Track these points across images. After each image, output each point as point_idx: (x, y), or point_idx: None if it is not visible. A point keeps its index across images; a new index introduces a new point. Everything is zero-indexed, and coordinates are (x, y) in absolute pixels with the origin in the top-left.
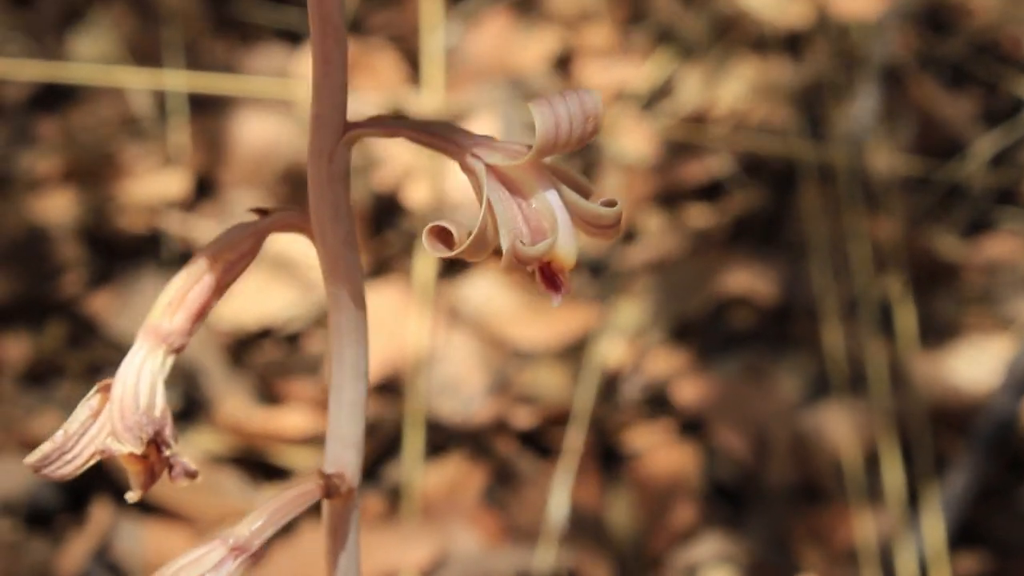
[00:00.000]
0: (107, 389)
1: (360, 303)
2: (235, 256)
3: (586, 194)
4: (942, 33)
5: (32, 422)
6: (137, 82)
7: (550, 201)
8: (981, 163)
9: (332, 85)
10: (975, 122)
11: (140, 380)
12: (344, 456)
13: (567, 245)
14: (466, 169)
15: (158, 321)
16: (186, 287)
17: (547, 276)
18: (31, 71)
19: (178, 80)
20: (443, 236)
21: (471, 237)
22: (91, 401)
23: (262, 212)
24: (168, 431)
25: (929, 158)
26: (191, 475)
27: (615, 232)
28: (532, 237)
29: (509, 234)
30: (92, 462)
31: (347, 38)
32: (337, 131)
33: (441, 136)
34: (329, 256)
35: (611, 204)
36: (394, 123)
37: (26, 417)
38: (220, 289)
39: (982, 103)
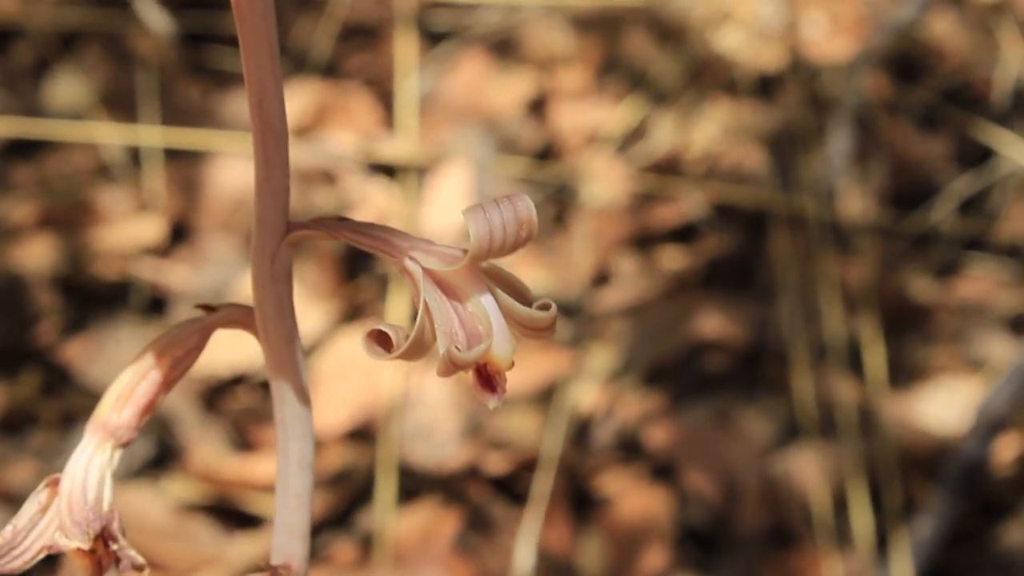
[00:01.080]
0: (55, 484)
1: (304, 398)
2: (182, 352)
3: (522, 296)
4: (913, 75)
5: (6, 471)
6: (111, 132)
7: (485, 305)
8: (951, 210)
9: (274, 188)
10: (947, 164)
11: (88, 474)
12: (291, 546)
13: (502, 349)
14: (404, 271)
15: (107, 416)
16: (134, 382)
17: (483, 378)
18: (5, 127)
19: (153, 131)
20: (381, 339)
21: (408, 340)
22: (40, 496)
23: (208, 308)
24: (116, 525)
25: (901, 200)
26: (139, 568)
27: (550, 334)
28: (468, 341)
29: (445, 338)
30: (40, 556)
31: (288, 141)
32: (279, 233)
33: (381, 239)
34: (273, 353)
35: (546, 307)
36: (336, 225)
37: (0, 467)
38: (167, 384)
39: (954, 144)
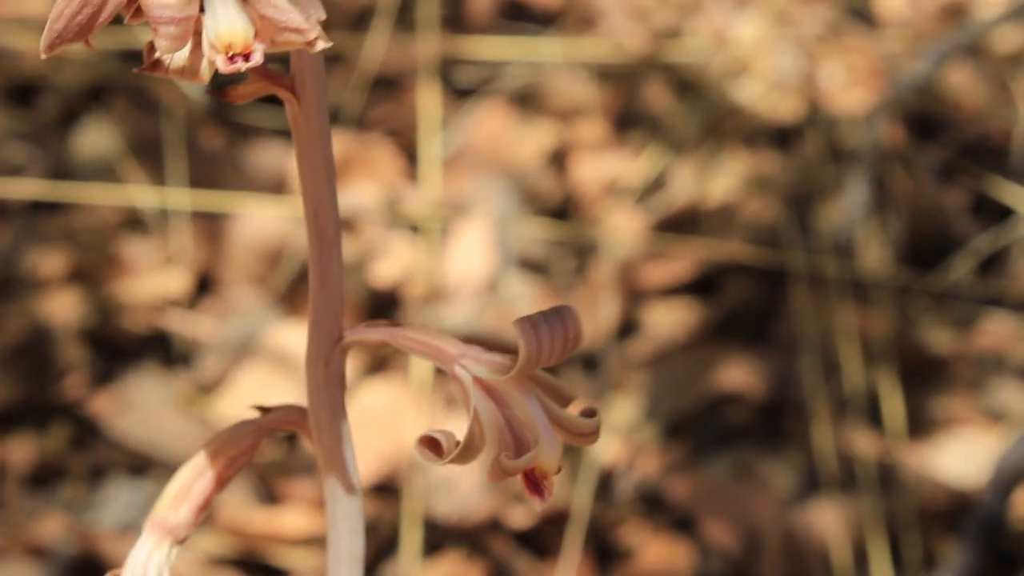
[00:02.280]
0: None
1: (354, 494)
2: (236, 452)
3: (565, 399)
4: (930, 127)
5: (35, 526)
6: (138, 185)
7: (533, 413)
8: (969, 270)
9: (329, 296)
10: (964, 215)
11: (148, 572)
12: None
13: (550, 455)
14: (454, 377)
15: (164, 514)
16: (190, 481)
17: (531, 482)
18: (32, 180)
19: (180, 188)
20: (433, 445)
21: (459, 447)
22: None
23: (263, 410)
24: None
25: (918, 251)
26: None
27: (594, 439)
28: (516, 448)
29: (495, 446)
30: None
31: (341, 249)
32: (333, 338)
33: (433, 346)
34: (325, 452)
35: (591, 414)
36: (389, 330)
37: (29, 521)
38: (222, 483)
39: (971, 196)
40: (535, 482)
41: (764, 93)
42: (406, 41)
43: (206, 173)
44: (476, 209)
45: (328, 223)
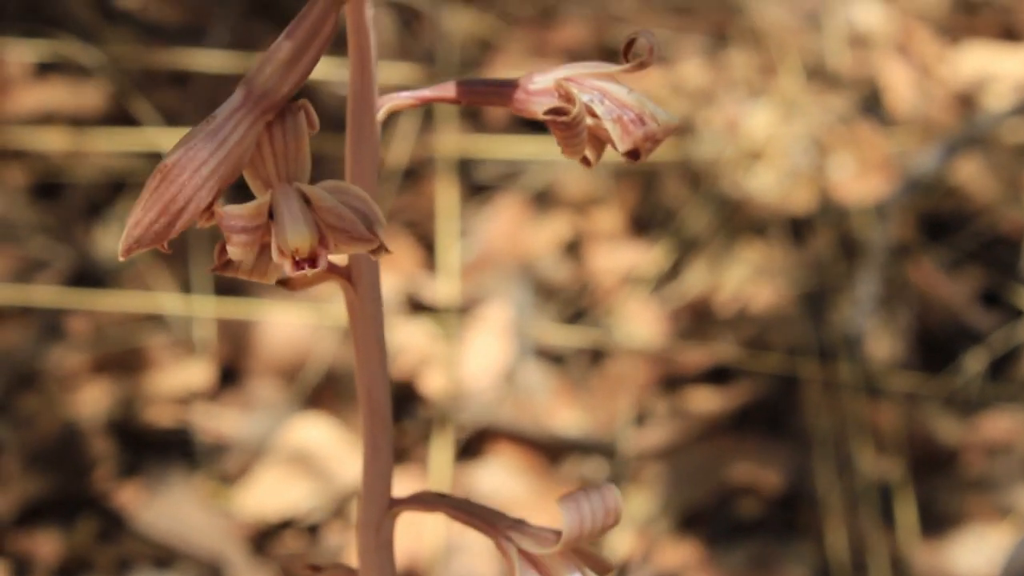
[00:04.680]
0: None
1: None
2: None
3: (604, 568)
4: (940, 218)
5: None
6: (164, 293)
7: None
8: (979, 371)
9: (380, 467)
10: (976, 306)
11: None
12: None
13: None
14: (500, 549)
15: None
16: None
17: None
18: (53, 290)
19: (206, 300)
20: None
21: None
22: None
23: (314, 568)
24: None
25: (929, 342)
26: None
27: None
28: None
29: None
30: None
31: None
32: (384, 506)
33: (478, 516)
34: None
35: None
36: (437, 500)
37: None
38: None
39: (983, 287)
40: None
41: (776, 183)
42: (425, 135)
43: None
44: (493, 299)
45: (380, 400)
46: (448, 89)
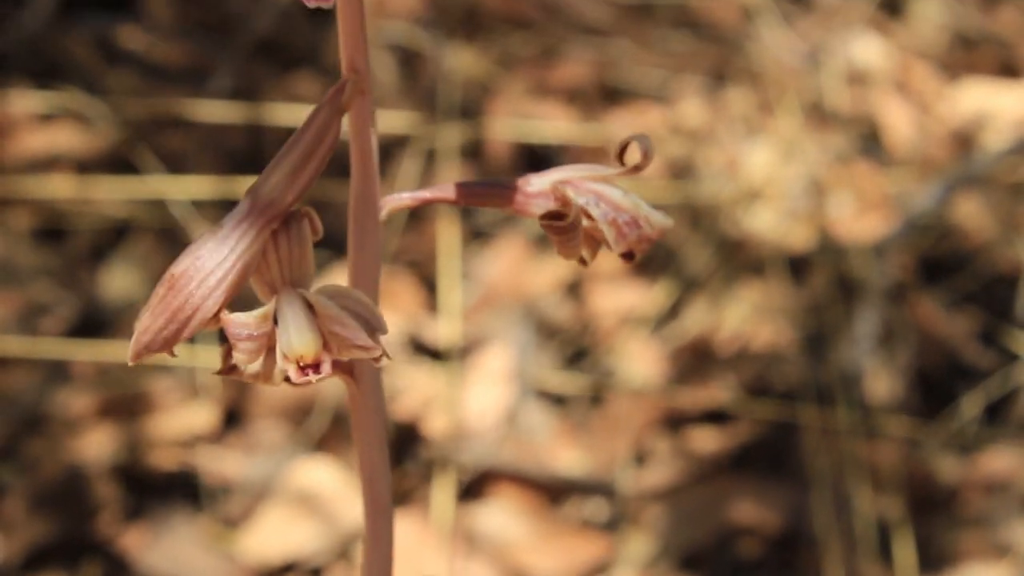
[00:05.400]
0: None
1: None
2: None
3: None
4: (940, 257)
5: None
6: None
7: None
8: (977, 412)
9: (381, 557)
10: (974, 344)
11: None
12: None
13: None
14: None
15: None
16: None
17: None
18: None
19: (210, 350)
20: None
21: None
22: None
23: None
24: None
25: (927, 380)
26: None
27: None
28: None
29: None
30: None
31: (394, 523)
32: None
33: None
34: None
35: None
36: None
37: None
38: None
39: (981, 325)
40: None
41: (775, 222)
42: (428, 177)
43: None
44: (495, 340)
45: (381, 490)
46: (448, 190)
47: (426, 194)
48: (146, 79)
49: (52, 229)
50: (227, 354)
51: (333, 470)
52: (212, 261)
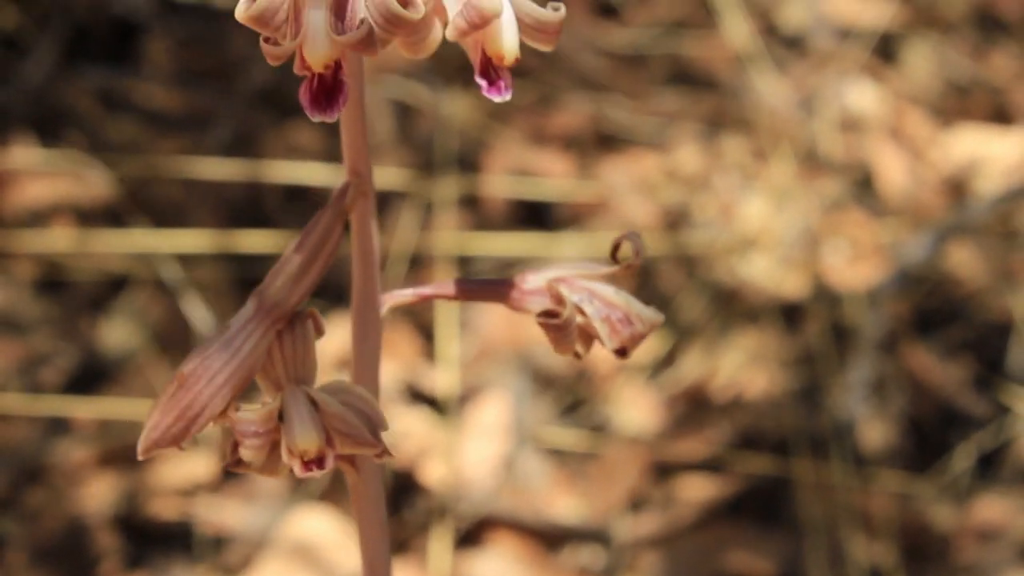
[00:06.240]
0: None
1: None
2: None
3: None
4: (933, 304)
5: None
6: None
7: None
8: (968, 468)
9: None
10: (968, 391)
11: None
12: None
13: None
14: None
15: None
16: None
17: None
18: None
19: None
20: None
21: None
22: None
23: None
24: None
25: (921, 427)
26: None
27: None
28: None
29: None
30: None
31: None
32: None
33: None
34: None
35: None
36: None
37: None
38: None
39: (973, 371)
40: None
41: (770, 270)
42: (426, 226)
43: None
44: (492, 389)
45: (382, 573)
46: (447, 287)
47: (426, 291)
48: (147, 128)
49: (52, 280)
50: (234, 448)
51: (332, 520)
52: (219, 361)
